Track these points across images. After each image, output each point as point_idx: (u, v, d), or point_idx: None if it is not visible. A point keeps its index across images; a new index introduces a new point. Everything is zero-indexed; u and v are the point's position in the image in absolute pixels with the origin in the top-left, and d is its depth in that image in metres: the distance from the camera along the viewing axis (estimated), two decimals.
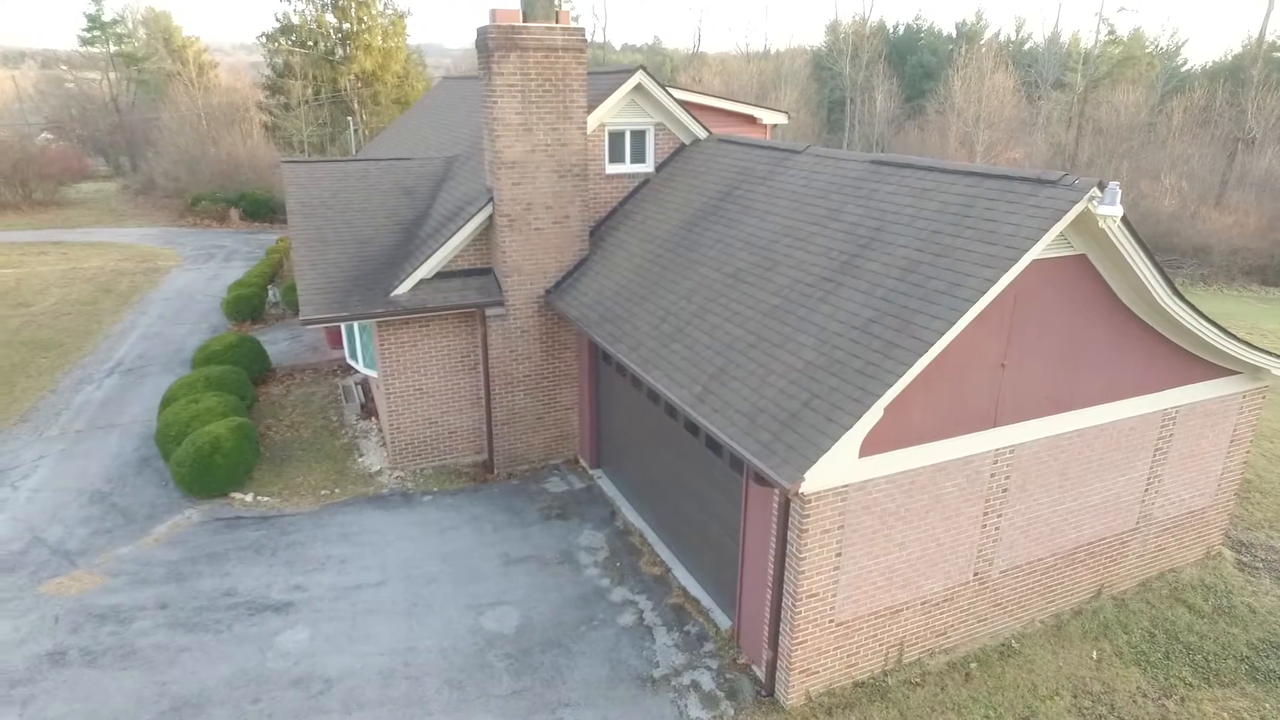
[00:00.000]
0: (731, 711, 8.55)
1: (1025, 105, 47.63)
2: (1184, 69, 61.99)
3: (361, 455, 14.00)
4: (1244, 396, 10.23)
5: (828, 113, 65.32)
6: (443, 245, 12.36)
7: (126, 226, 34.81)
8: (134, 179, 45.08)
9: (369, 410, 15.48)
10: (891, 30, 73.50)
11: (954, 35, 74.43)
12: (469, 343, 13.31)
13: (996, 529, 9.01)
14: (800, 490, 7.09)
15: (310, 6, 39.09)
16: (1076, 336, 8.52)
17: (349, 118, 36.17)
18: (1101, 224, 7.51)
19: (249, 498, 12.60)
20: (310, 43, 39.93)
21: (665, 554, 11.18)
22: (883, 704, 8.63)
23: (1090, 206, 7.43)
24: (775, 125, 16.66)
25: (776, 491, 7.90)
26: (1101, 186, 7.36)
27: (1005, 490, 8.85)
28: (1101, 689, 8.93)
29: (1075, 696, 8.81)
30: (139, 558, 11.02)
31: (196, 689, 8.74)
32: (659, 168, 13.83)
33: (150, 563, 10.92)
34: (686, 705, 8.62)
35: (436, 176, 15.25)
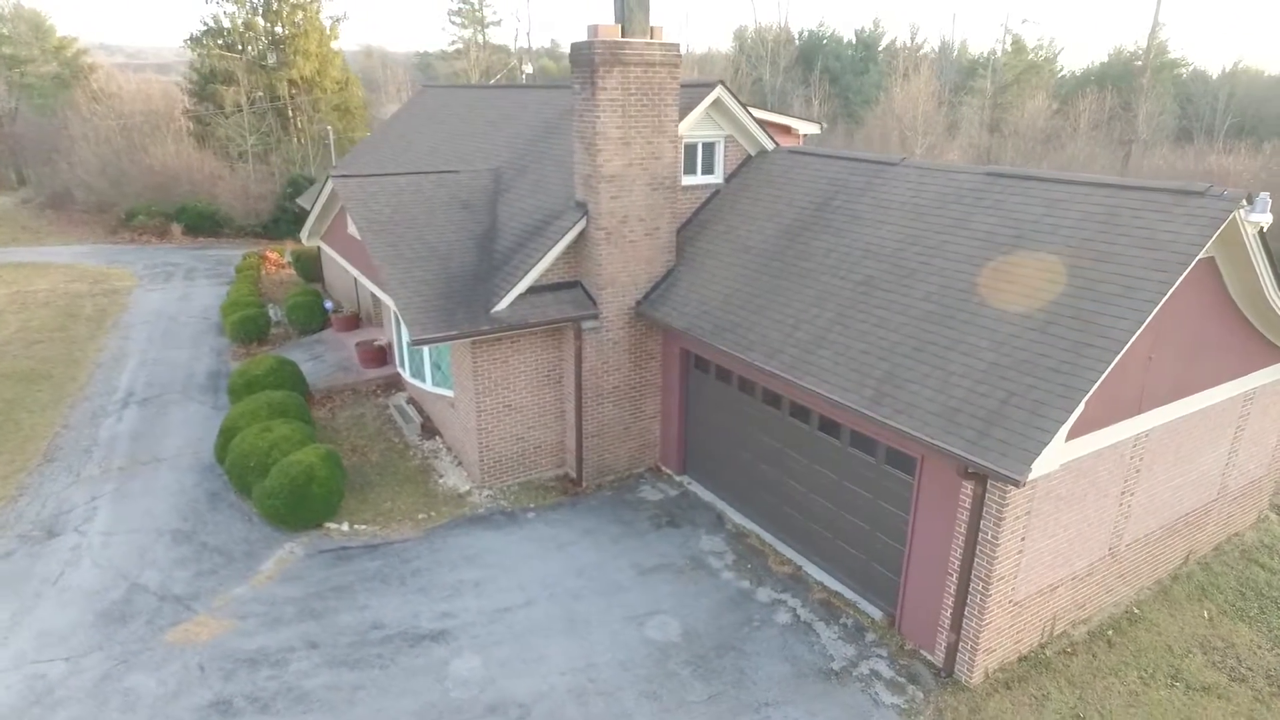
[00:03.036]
0: (920, 695, 9.06)
1: (938, 109, 50.75)
2: (1060, 74, 67.48)
3: (441, 476, 13.71)
4: None
5: None
6: (540, 260, 12.32)
7: (50, 244, 32.07)
8: (37, 192, 41.42)
9: (429, 429, 15.13)
10: (797, 36, 76.25)
11: (854, 42, 78.25)
12: (555, 356, 13.30)
13: (1129, 506, 9.92)
14: (1024, 481, 7.67)
15: (240, 9, 37.08)
16: (1197, 330, 9.49)
17: (327, 127, 34.58)
18: (1250, 231, 8.46)
19: (344, 527, 12.16)
20: (239, 47, 37.90)
21: (789, 553, 11.57)
22: (1049, 674, 9.35)
23: (1239, 215, 8.36)
24: (807, 135, 17.34)
25: (969, 483, 8.47)
26: (1250, 198, 8.30)
27: (1138, 471, 9.76)
28: (1223, 644, 9.98)
29: (1205, 653, 9.81)
30: (260, 597, 10.50)
31: None
32: (728, 179, 14.21)
33: (275, 601, 10.42)
34: (876, 692, 9.07)
35: (488, 189, 15.10)
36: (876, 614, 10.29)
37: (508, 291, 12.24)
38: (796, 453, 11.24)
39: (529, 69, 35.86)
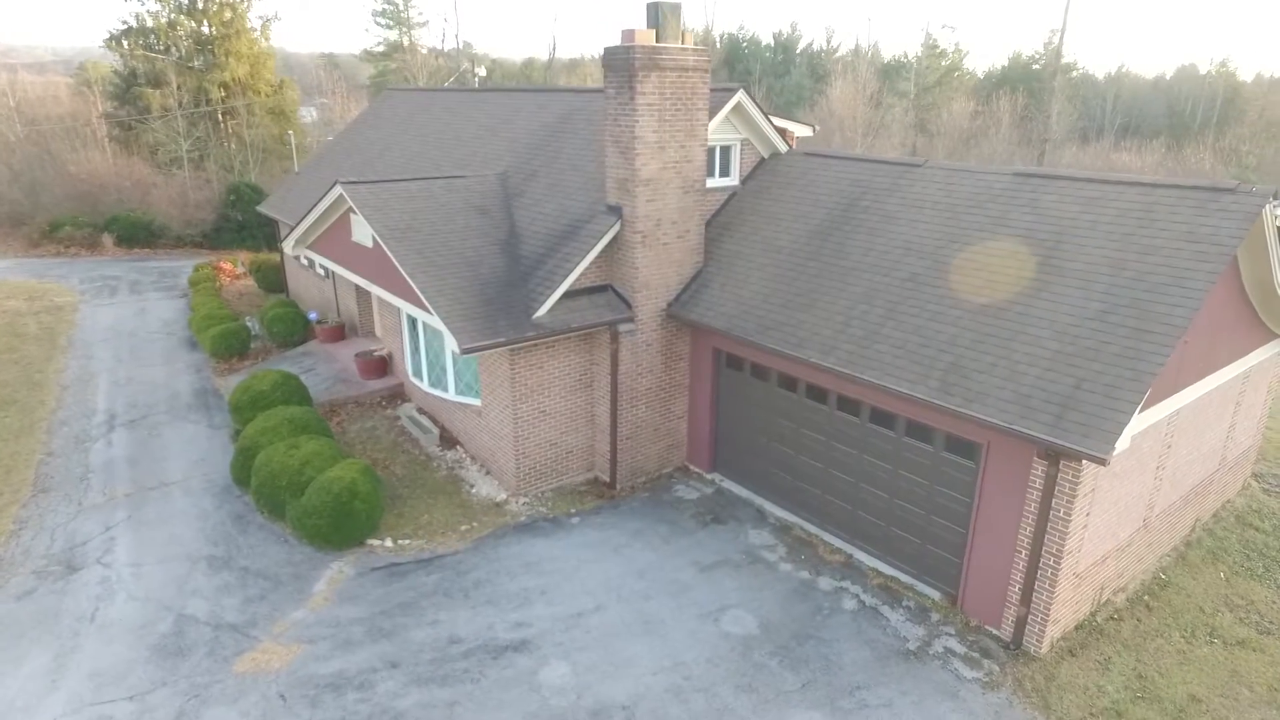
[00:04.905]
0: (996, 667, 9.56)
1: (876, 110, 52.78)
2: (969, 77, 71.10)
3: (472, 486, 13.49)
4: (1277, 355, 12.74)
5: None
6: (577, 265, 12.30)
7: None
8: None
9: (448, 440, 14.84)
10: (719, 39, 77.61)
11: (772, 45, 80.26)
12: (586, 360, 13.31)
13: (1159, 480, 10.72)
14: (1110, 459, 8.23)
15: (164, 8, 35.07)
16: (1218, 315, 10.35)
17: (288, 131, 32.96)
18: (1273, 225, 9.31)
19: (388, 543, 11.84)
20: (163, 47, 35.87)
21: (838, 543, 11.94)
22: (1104, 640, 10.02)
23: (1266, 210, 9.19)
24: (800, 137, 17.80)
25: (1041, 465, 9.01)
26: (1277, 194, 9.14)
27: (1169, 446, 10.57)
28: (1244, 602, 10.91)
29: (1232, 611, 10.71)
30: (323, 620, 10.14)
31: None
32: (744, 181, 14.50)
33: (339, 623, 10.08)
34: (955, 668, 9.52)
35: (498, 193, 14.95)
36: (936, 595, 10.77)
37: (546, 297, 12.17)
38: (845, 445, 11.61)
39: (482, 72, 35.30)
